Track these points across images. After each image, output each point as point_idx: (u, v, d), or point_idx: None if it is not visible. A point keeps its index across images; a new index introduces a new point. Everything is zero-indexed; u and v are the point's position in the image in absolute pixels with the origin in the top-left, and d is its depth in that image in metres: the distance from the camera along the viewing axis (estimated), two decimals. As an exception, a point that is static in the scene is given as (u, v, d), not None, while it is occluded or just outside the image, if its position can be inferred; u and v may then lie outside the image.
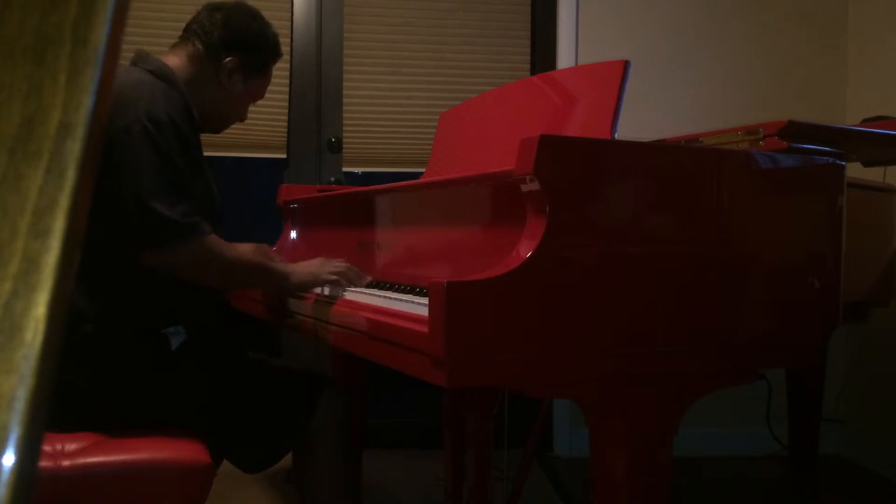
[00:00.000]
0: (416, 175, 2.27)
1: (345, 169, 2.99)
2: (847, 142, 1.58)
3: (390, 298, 1.32)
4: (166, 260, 1.45)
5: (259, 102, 1.79)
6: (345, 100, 2.96)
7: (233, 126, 1.81)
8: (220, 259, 1.50)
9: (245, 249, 1.72)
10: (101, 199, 1.40)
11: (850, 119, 2.99)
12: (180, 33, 1.70)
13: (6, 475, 0.27)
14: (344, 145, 2.97)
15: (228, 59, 1.64)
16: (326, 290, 1.58)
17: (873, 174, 2.27)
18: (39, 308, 0.30)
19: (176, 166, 1.45)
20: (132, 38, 2.65)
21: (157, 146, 1.43)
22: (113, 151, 1.41)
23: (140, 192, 1.41)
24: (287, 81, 2.91)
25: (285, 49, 2.88)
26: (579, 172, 1.09)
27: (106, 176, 1.40)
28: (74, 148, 0.32)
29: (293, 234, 2.19)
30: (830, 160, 1.31)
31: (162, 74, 1.57)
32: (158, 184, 1.42)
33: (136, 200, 1.41)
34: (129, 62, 1.62)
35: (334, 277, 1.56)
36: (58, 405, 1.36)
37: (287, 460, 1.62)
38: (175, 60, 1.64)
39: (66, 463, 1.33)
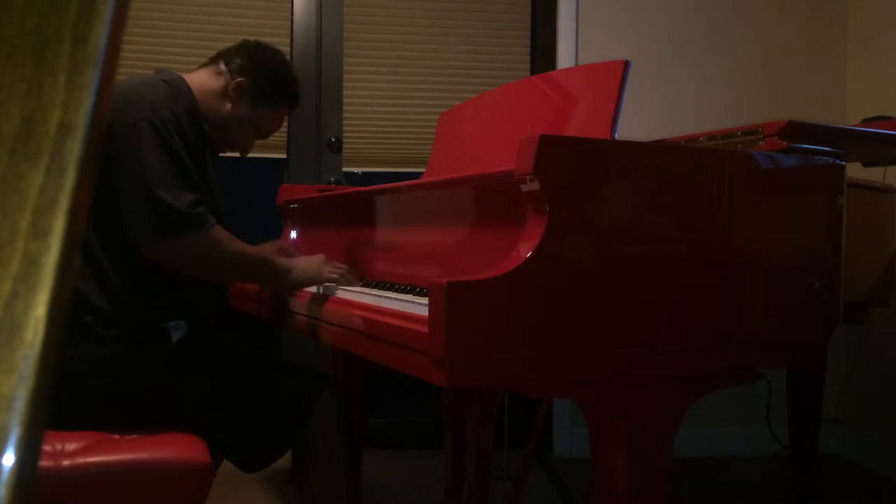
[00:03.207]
0: (416, 175, 2.27)
1: (345, 169, 2.99)
2: (847, 142, 1.58)
3: (390, 298, 1.32)
4: (171, 252, 1.47)
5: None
6: (345, 100, 2.96)
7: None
8: (224, 251, 1.51)
9: (268, 249, 1.78)
10: (106, 193, 1.43)
11: (850, 119, 2.99)
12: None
13: (6, 475, 0.27)
14: (344, 145, 2.97)
15: (241, 79, 1.71)
16: (321, 290, 1.59)
17: (873, 174, 2.27)
18: (39, 308, 0.30)
19: (181, 160, 1.48)
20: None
21: (163, 141, 1.47)
22: (119, 146, 1.44)
23: (146, 184, 1.43)
24: (287, 81, 2.91)
25: (285, 49, 2.89)
26: (579, 172, 1.09)
27: (112, 170, 1.44)
28: (74, 148, 0.32)
29: (293, 234, 2.19)
30: (830, 160, 1.31)
31: (174, 84, 1.62)
32: (164, 176, 1.45)
33: (143, 191, 1.43)
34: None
35: (335, 276, 1.61)
36: (58, 400, 1.36)
37: (287, 460, 1.62)
38: (194, 75, 1.71)
39: (66, 463, 1.33)
